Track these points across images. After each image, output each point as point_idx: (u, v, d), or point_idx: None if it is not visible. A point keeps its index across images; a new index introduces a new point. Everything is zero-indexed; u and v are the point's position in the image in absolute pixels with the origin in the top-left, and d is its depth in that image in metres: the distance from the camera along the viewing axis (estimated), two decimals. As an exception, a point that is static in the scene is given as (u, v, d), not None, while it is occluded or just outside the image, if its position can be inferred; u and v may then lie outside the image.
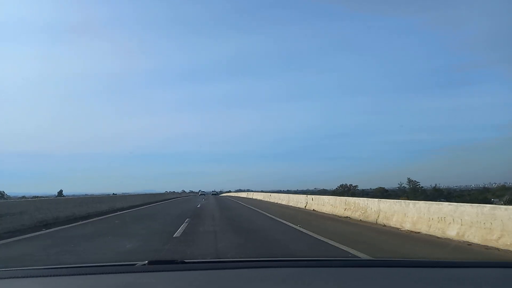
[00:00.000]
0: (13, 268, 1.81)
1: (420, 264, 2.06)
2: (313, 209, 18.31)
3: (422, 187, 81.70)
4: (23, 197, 59.59)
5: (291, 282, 1.63)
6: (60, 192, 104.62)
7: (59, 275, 1.74)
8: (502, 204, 9.42)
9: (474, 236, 7.55)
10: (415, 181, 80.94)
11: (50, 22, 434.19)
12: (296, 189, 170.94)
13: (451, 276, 1.73)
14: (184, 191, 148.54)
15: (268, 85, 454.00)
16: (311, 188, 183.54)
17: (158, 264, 1.88)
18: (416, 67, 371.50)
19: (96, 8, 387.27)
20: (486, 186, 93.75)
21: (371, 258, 3.76)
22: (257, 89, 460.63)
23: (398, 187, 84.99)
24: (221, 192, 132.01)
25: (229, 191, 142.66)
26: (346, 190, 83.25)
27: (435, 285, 1.61)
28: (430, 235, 8.78)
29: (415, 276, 1.72)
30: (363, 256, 6.11)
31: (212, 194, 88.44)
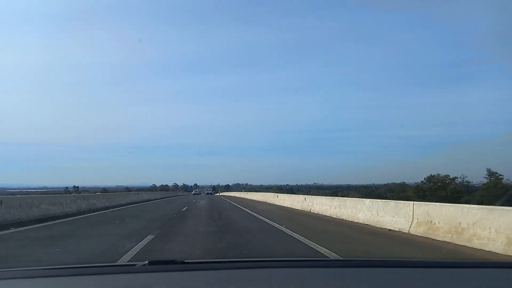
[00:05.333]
0: (13, 269, 1.81)
1: (419, 265, 2.05)
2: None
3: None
4: None
5: (291, 282, 1.64)
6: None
7: (59, 276, 1.74)
8: None
9: None
10: (497, 173, 55.49)
11: (53, 10, 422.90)
12: (296, 184, 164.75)
13: (450, 276, 1.74)
14: (176, 185, 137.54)
15: (272, 77, 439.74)
16: (307, 183, 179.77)
17: (158, 265, 1.88)
18: (424, 61, 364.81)
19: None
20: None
21: (369, 259, 3.75)
22: (261, 81, 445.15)
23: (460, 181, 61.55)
24: (219, 187, 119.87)
25: (228, 185, 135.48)
26: (440, 187, 51.38)
27: (434, 286, 1.62)
28: None
29: (414, 277, 1.73)
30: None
31: (207, 193, 74.48)
